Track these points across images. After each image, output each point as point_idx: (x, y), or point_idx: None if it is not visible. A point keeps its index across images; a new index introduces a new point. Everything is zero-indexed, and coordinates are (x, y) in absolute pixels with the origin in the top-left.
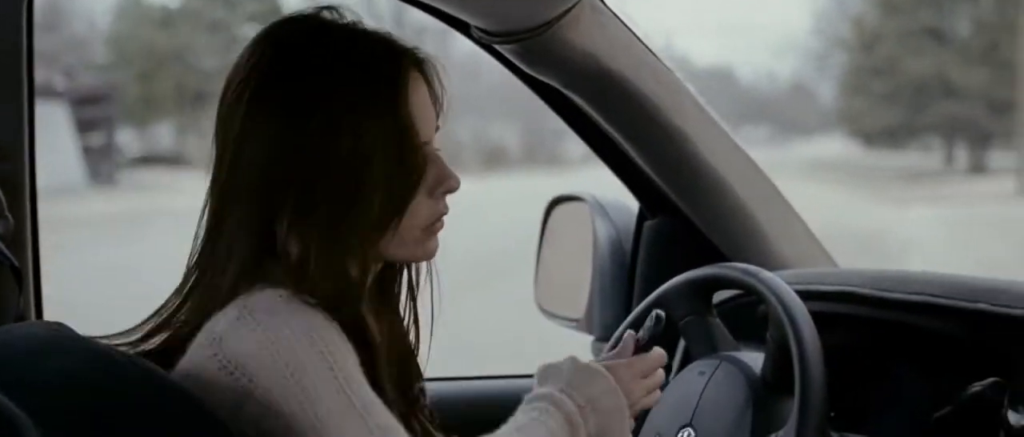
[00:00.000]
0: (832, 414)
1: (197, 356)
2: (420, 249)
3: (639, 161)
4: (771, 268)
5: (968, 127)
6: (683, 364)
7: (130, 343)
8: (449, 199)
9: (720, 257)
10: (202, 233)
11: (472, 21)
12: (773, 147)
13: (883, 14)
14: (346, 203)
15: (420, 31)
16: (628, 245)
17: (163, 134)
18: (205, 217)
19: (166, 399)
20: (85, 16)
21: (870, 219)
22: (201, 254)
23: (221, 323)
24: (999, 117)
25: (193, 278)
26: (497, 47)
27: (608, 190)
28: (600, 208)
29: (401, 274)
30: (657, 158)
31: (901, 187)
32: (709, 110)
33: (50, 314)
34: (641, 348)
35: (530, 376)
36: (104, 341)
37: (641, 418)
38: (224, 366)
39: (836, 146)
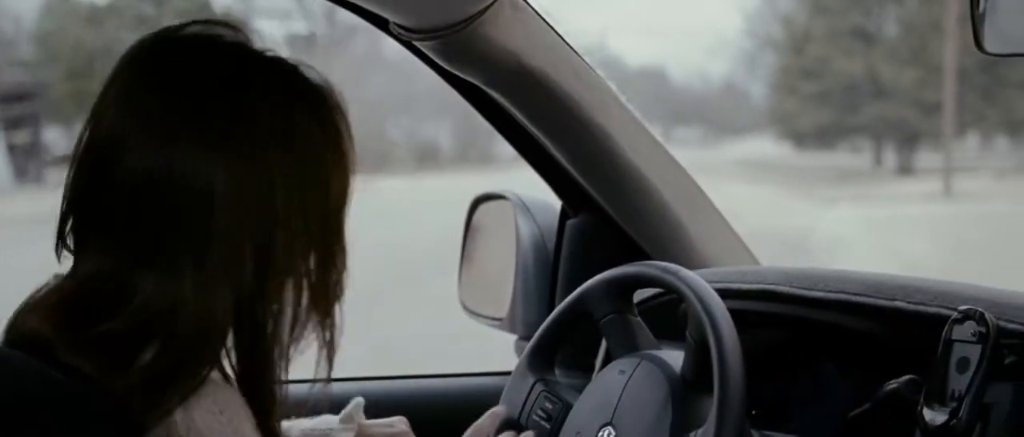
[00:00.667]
0: (752, 412)
1: None
2: None
3: (561, 159)
4: (692, 266)
5: (896, 128)
6: (604, 363)
7: None
8: (382, 198)
9: (642, 255)
10: None
11: (391, 17)
12: (705, 147)
13: (812, 14)
14: None
15: (351, 30)
16: (551, 243)
17: None
18: None
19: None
20: (10, 13)
21: (800, 219)
22: None
23: None
24: (927, 118)
25: None
26: (417, 44)
27: (539, 190)
28: (523, 206)
29: None
30: (578, 156)
31: (830, 187)
32: (631, 108)
33: None
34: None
35: (464, 374)
36: None
37: (561, 418)
38: None
39: (767, 146)
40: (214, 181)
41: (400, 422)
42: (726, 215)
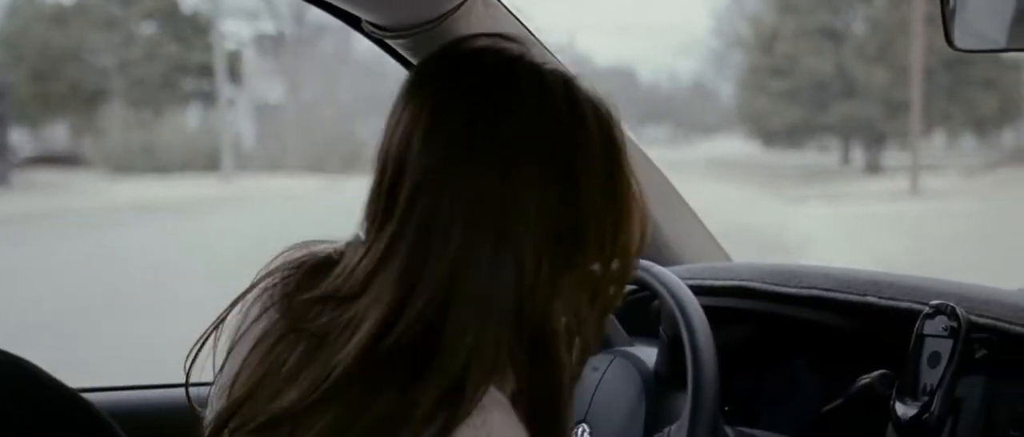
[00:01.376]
0: (726, 408)
1: None
2: None
3: None
4: (665, 264)
5: (864, 126)
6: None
7: None
8: (347, 195)
9: None
10: None
11: (364, 16)
12: (674, 146)
13: (780, 13)
14: None
15: (320, 30)
16: None
17: (58, 134)
18: None
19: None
20: None
21: (769, 217)
22: None
23: None
24: (894, 117)
25: None
26: (389, 42)
27: None
28: None
29: None
30: None
31: (799, 185)
32: None
33: None
34: None
35: None
36: None
37: None
38: None
39: (736, 145)
40: (505, 193)
41: None
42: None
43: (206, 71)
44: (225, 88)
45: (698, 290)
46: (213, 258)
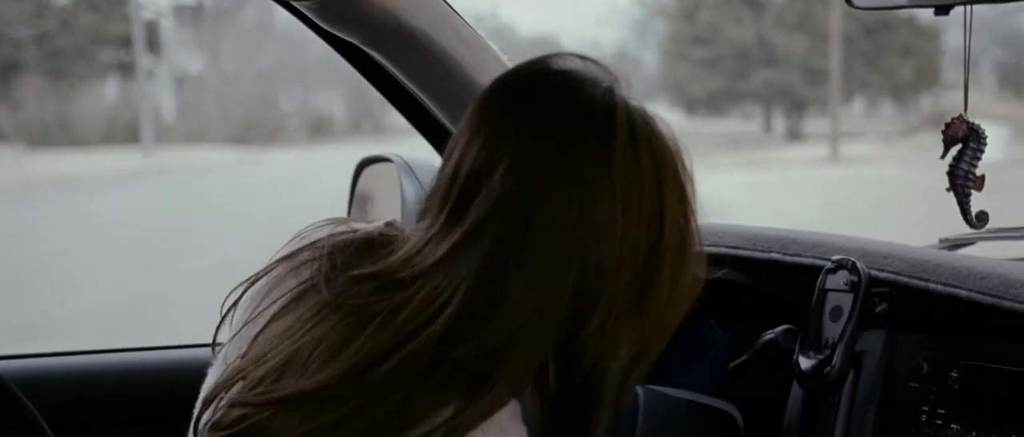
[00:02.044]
0: None
1: None
2: None
3: (443, 120)
4: None
5: (785, 94)
6: None
7: None
8: (274, 170)
9: None
10: None
11: None
12: None
13: None
14: None
15: (241, 0)
16: None
17: None
18: None
19: None
20: None
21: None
22: None
23: None
24: (814, 84)
25: None
26: (295, 4)
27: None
28: (407, 168)
29: None
30: (461, 116)
31: (722, 153)
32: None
33: None
34: None
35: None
36: None
37: None
38: None
39: (660, 113)
40: (557, 219)
41: None
42: None
43: (124, 42)
44: (144, 59)
45: None
46: (133, 232)
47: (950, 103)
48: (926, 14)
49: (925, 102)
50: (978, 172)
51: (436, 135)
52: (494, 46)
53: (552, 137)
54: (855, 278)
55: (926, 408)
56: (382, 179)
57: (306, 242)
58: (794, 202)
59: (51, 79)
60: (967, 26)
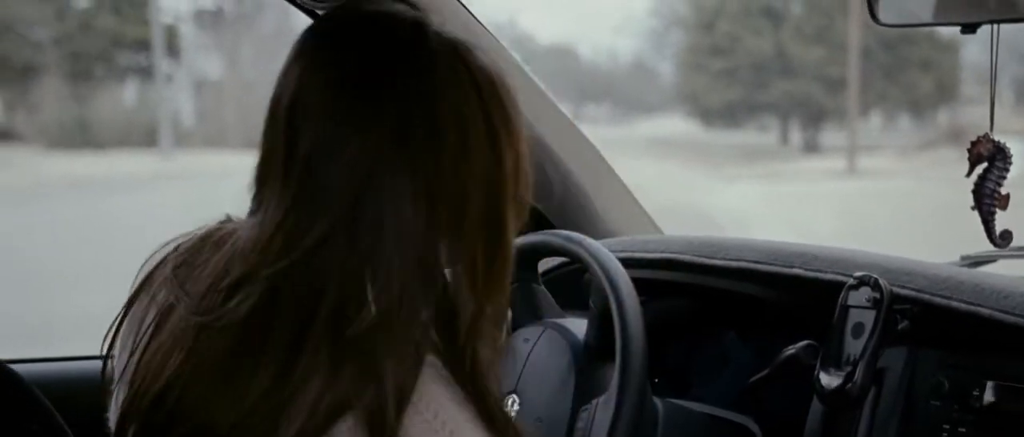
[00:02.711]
0: (655, 380)
1: None
2: None
3: None
4: (597, 236)
5: (802, 106)
6: (509, 332)
7: None
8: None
9: (546, 225)
10: None
11: None
12: (614, 124)
13: None
14: None
15: (259, 6)
16: None
17: None
18: None
19: None
20: None
21: (708, 196)
22: None
23: None
24: (832, 96)
25: None
26: (315, 8)
27: None
28: None
29: None
30: None
31: (738, 164)
32: (534, 77)
33: None
34: None
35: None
36: None
37: None
38: None
39: (676, 124)
40: (381, 166)
41: None
42: (635, 191)
43: (144, 46)
44: (163, 63)
45: (628, 262)
46: (149, 234)
47: (968, 118)
48: (946, 28)
49: (943, 117)
50: (1003, 191)
51: None
52: (514, 55)
53: (371, 81)
54: (877, 295)
55: (947, 426)
56: None
57: (152, 265)
58: (810, 214)
59: (70, 81)
60: (994, 45)
